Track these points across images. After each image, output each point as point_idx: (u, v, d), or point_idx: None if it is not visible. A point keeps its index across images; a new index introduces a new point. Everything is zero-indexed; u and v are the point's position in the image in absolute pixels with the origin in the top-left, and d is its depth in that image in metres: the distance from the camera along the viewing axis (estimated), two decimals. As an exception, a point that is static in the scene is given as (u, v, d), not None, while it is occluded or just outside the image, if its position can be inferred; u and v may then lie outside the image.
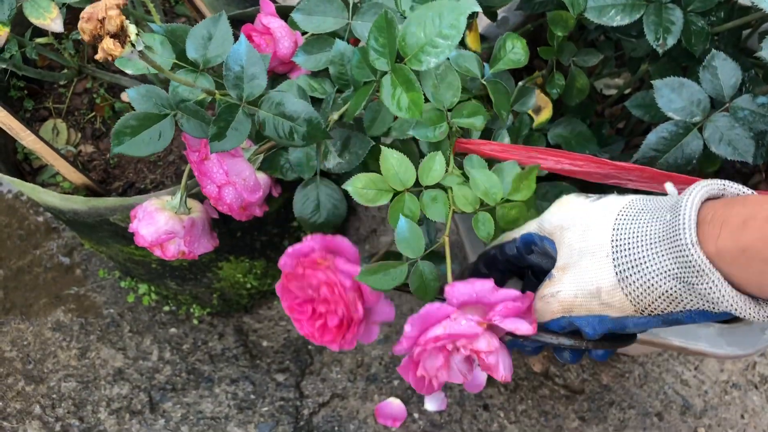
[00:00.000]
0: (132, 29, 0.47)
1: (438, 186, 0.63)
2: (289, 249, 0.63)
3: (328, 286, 0.62)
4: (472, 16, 0.80)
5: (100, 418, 1.22)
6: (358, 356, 1.26)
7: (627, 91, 0.99)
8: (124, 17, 0.45)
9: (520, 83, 0.81)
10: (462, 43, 0.81)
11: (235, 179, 0.63)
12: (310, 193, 0.68)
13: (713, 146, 0.65)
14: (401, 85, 0.59)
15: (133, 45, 0.47)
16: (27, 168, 1.10)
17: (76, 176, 0.95)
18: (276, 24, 0.75)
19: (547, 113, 0.80)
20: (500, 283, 0.66)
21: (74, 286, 1.35)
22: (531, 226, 0.60)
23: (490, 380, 1.21)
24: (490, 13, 0.91)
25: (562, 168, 0.63)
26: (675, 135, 0.66)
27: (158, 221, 0.70)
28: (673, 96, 0.66)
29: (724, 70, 0.67)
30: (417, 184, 0.63)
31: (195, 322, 1.30)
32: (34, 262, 1.38)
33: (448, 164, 0.63)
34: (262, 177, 0.68)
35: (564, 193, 0.79)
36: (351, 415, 1.20)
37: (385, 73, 0.61)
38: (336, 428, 1.20)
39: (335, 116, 0.66)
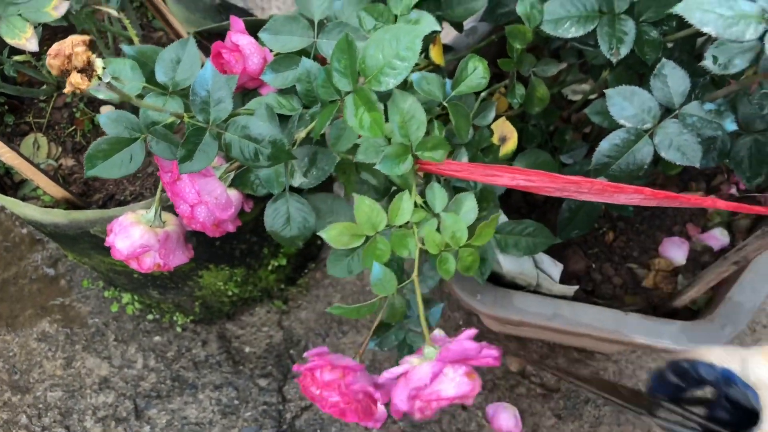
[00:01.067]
0: (99, 63, 0.49)
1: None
2: (302, 368, 0.69)
3: (347, 404, 0.69)
4: (435, 30, 0.83)
5: (86, 426, 1.24)
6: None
7: (592, 97, 1.01)
8: (90, 53, 0.48)
9: (483, 93, 0.83)
10: (426, 57, 0.83)
11: (207, 198, 0.66)
12: (280, 208, 0.70)
13: (663, 152, 0.67)
14: (363, 105, 0.62)
15: (99, 78, 0.49)
16: (8, 182, 1.12)
17: (55, 190, 0.97)
18: (245, 41, 0.77)
19: (512, 143, 0.82)
20: (686, 391, 0.68)
21: (59, 297, 1.37)
22: (733, 363, 0.60)
23: (468, 380, 1.23)
24: (456, 24, 0.93)
25: (517, 184, 0.66)
26: (627, 142, 0.69)
27: (133, 235, 0.72)
28: (625, 104, 0.69)
29: (674, 78, 0.69)
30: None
31: (178, 329, 1.32)
32: (19, 274, 1.40)
33: (410, 191, 0.66)
34: (234, 194, 0.70)
35: (528, 229, 0.82)
36: (332, 417, 1.23)
37: (349, 92, 0.64)
38: (318, 431, 1.22)
39: (302, 134, 0.69)
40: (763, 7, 0.52)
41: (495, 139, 0.83)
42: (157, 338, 1.32)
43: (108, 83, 0.51)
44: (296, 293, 1.35)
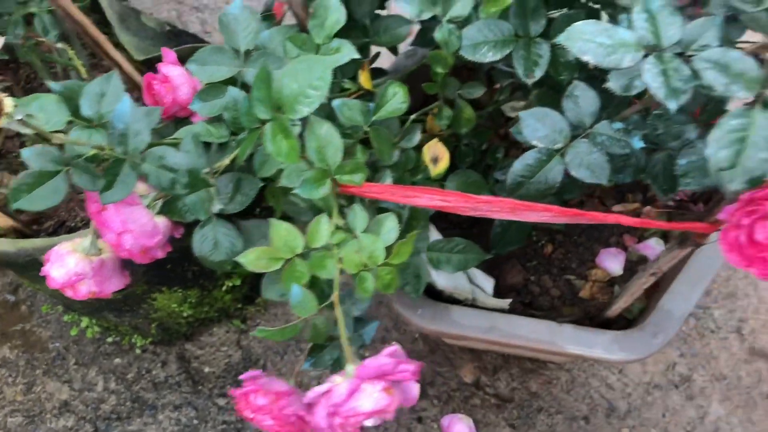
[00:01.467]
0: (8, 102, 0.51)
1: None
2: (236, 393, 0.71)
3: (281, 427, 0.71)
4: (364, 56, 0.86)
5: (47, 450, 1.26)
6: (297, 377, 1.30)
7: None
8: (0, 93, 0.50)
9: (412, 116, 0.86)
10: (356, 82, 0.86)
11: (133, 226, 0.68)
12: (207, 233, 0.73)
13: (573, 170, 0.70)
14: (280, 132, 0.64)
15: (10, 116, 0.51)
16: (-39, 212, 1.14)
17: (2, 220, 0.99)
18: (175, 72, 0.79)
19: (444, 163, 0.84)
20: None
21: (20, 323, 1.39)
22: None
23: (423, 393, 1.26)
24: (391, 48, 0.96)
25: (434, 204, 0.69)
26: (539, 162, 0.71)
27: (68, 264, 0.74)
28: (538, 125, 0.71)
29: (585, 98, 0.72)
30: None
31: (138, 351, 1.34)
32: (-21, 301, 1.42)
33: (331, 216, 0.68)
34: (162, 221, 0.72)
35: (459, 246, 0.85)
36: (290, 434, 1.25)
37: (268, 120, 0.66)
38: (275, 448, 1.24)
39: (227, 161, 0.71)
40: (642, 35, 0.55)
41: (427, 160, 0.86)
42: (117, 360, 1.34)
43: (20, 120, 0.53)
44: (254, 312, 1.37)
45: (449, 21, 0.77)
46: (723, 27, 0.54)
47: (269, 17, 0.85)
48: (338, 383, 0.67)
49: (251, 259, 0.65)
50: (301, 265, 0.67)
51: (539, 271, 1.03)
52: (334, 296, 0.68)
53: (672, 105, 0.52)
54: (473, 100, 0.93)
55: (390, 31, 0.85)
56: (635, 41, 0.55)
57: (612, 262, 1.01)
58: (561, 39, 0.56)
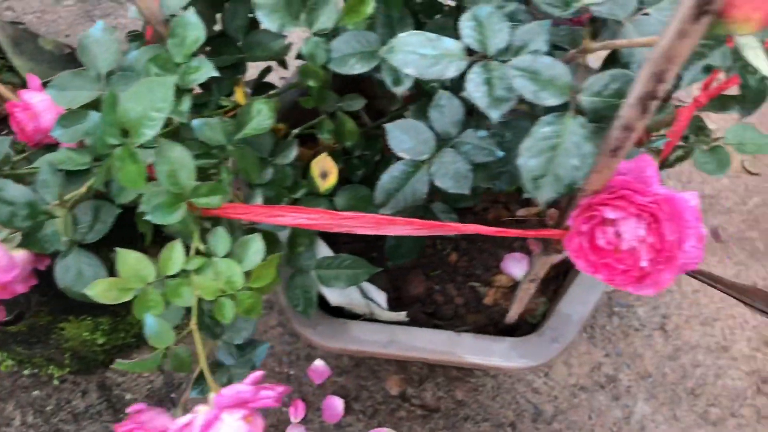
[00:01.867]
0: None
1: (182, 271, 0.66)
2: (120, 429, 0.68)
3: None
4: (239, 72, 0.84)
5: (-38, 490, 1.22)
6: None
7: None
8: None
9: (295, 131, 0.85)
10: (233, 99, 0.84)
11: (-16, 262, 0.66)
12: (69, 264, 0.70)
13: (438, 181, 0.68)
14: (128, 157, 0.62)
15: None
16: None
17: None
18: (38, 98, 0.77)
19: (333, 178, 0.83)
20: None
21: (-65, 359, 1.35)
22: None
23: (348, 408, 1.24)
24: (280, 62, 0.94)
25: (299, 222, 0.67)
26: (405, 173, 0.70)
27: (-70, 304, 0.72)
28: (404, 137, 0.70)
29: (451, 108, 0.70)
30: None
31: (56, 382, 1.30)
32: None
33: (191, 240, 0.66)
34: (21, 254, 0.70)
35: (346, 261, 0.83)
36: (212, 458, 1.22)
37: (117, 145, 0.64)
38: (195, 474, 1.21)
39: (83, 189, 0.69)
40: (468, 44, 0.53)
41: (316, 175, 0.84)
42: (35, 393, 1.30)
43: None
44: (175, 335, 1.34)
45: (316, 34, 0.75)
46: (550, 31, 0.53)
47: (138, 37, 0.83)
48: (199, 413, 0.65)
49: (99, 291, 0.63)
50: (153, 294, 0.64)
51: (444, 279, 1.01)
52: (193, 325, 0.67)
53: (494, 115, 0.51)
54: (377, 110, 0.92)
55: (263, 46, 0.83)
56: (460, 50, 0.53)
57: (515, 268, 1.00)
58: (382, 52, 0.55)
